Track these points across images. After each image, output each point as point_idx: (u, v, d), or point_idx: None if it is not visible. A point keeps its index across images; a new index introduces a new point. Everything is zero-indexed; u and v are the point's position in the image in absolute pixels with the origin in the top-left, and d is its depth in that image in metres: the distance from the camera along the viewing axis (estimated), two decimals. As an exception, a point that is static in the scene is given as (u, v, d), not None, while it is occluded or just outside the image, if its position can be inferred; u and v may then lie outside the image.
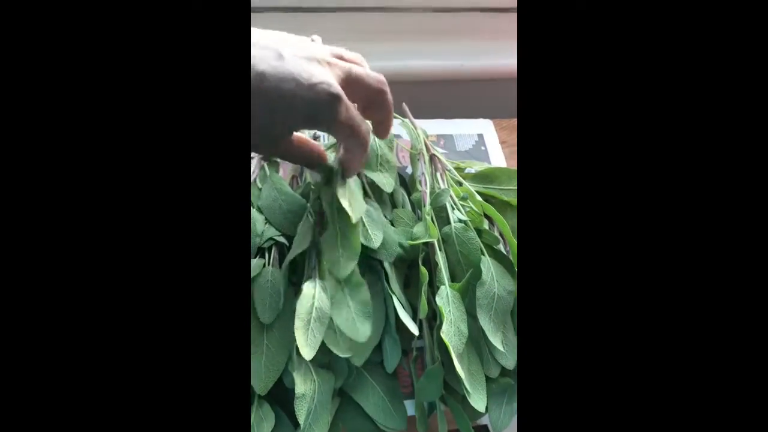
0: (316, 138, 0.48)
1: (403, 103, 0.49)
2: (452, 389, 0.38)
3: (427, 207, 0.41)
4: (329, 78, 0.30)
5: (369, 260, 0.40)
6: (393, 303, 0.38)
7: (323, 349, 0.38)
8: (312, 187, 0.41)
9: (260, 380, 0.34)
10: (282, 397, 0.36)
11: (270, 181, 0.42)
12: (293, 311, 0.36)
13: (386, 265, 0.39)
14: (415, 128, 0.48)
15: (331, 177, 0.37)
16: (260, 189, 0.42)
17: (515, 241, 0.41)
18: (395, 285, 0.39)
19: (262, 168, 0.44)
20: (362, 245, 0.38)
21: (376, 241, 0.38)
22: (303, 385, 0.34)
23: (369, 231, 0.39)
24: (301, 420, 0.34)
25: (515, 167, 0.49)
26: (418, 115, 0.50)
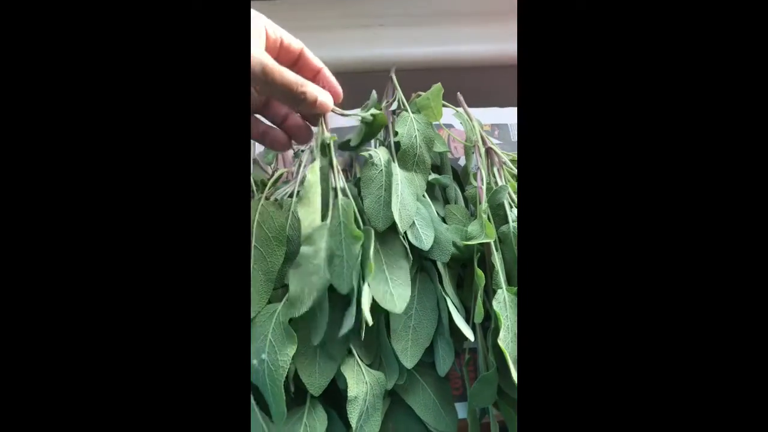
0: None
1: (458, 93, 0.47)
2: (505, 394, 0.36)
3: (484, 205, 0.39)
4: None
5: (421, 259, 0.39)
6: (447, 305, 0.37)
7: (375, 350, 0.37)
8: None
9: (315, 382, 0.34)
10: (334, 397, 0.36)
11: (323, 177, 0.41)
12: (342, 315, 0.36)
13: (440, 265, 0.38)
14: (471, 119, 0.46)
15: None
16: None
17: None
18: (449, 286, 0.38)
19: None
20: (412, 245, 0.37)
21: (427, 242, 0.37)
22: (356, 387, 0.34)
23: (420, 230, 0.38)
24: (353, 422, 0.34)
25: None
26: (471, 103, 0.48)
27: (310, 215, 0.33)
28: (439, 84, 0.43)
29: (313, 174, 0.34)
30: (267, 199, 0.38)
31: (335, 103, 0.36)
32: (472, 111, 0.47)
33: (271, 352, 0.32)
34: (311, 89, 0.33)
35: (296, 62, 0.35)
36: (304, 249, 0.33)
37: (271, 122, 0.38)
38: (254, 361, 0.32)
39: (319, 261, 0.32)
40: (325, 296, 0.33)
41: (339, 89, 0.37)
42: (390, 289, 0.36)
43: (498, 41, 0.61)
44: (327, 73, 0.37)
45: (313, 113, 0.36)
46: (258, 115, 0.37)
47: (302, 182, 0.39)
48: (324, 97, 0.34)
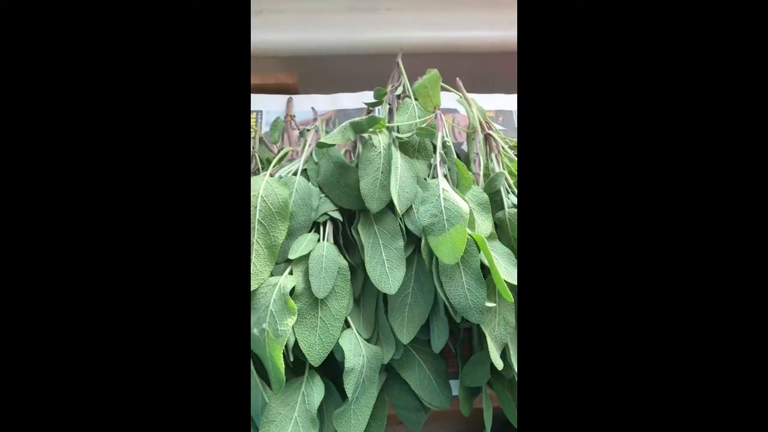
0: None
1: (457, 78, 0.47)
2: (500, 374, 0.37)
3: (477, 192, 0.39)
4: None
5: (419, 240, 0.40)
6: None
7: (373, 326, 0.38)
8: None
9: (314, 353, 0.35)
10: (331, 369, 0.37)
11: (328, 156, 0.42)
12: (346, 286, 0.37)
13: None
14: (470, 105, 0.46)
15: None
16: (316, 163, 0.42)
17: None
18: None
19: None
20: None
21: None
22: (353, 359, 0.35)
23: (416, 213, 0.38)
24: (349, 393, 0.35)
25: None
26: (477, 89, 0.48)
27: None
28: (436, 71, 0.43)
29: None
30: (272, 176, 0.39)
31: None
32: (478, 96, 0.48)
33: (272, 322, 0.33)
34: None
35: None
36: None
37: None
38: (255, 330, 0.33)
39: None
40: None
41: None
42: (386, 270, 0.37)
43: (506, 27, 0.61)
44: None
45: None
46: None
47: (307, 161, 0.40)
48: None
